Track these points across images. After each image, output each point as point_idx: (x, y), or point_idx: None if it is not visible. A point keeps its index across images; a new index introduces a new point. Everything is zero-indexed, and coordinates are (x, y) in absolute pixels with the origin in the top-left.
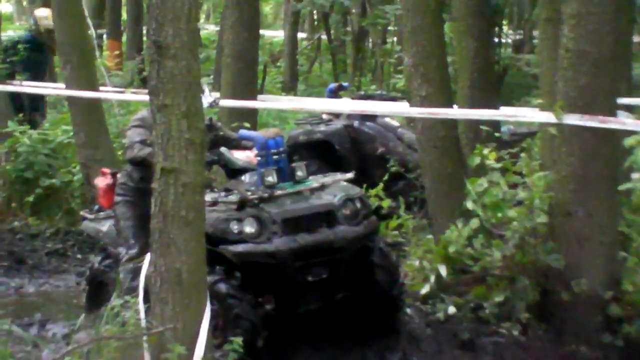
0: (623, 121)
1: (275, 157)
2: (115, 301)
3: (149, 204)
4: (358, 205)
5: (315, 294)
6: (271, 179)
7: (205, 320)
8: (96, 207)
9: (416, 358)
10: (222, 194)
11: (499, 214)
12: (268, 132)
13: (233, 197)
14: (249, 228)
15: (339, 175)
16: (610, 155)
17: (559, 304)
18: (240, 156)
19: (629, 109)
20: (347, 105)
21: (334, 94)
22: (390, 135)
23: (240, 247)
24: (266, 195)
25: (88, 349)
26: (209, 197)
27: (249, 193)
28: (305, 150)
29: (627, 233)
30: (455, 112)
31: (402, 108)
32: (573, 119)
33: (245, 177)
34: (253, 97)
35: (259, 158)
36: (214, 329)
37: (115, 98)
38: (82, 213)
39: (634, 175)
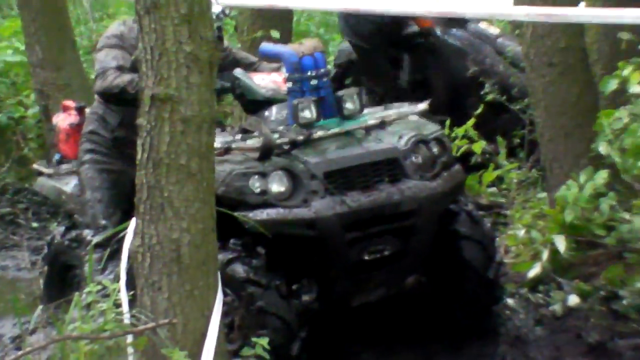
0: None
1: (313, 82)
2: (86, 287)
3: (130, 166)
4: (435, 150)
5: (375, 280)
6: (308, 113)
7: (216, 314)
8: (56, 156)
9: None
10: (238, 136)
11: None
12: (303, 46)
13: (253, 141)
14: (277, 186)
15: (406, 107)
16: None
17: None
18: (264, 82)
19: None
20: (424, 5)
21: None
22: (487, 48)
23: (264, 214)
24: (301, 137)
25: (48, 356)
26: (218, 141)
27: (276, 135)
28: (361, 72)
29: None
30: (582, 13)
31: (503, 7)
32: None
33: (271, 112)
34: None
35: (289, 84)
36: (228, 328)
37: None
38: (35, 166)
39: None
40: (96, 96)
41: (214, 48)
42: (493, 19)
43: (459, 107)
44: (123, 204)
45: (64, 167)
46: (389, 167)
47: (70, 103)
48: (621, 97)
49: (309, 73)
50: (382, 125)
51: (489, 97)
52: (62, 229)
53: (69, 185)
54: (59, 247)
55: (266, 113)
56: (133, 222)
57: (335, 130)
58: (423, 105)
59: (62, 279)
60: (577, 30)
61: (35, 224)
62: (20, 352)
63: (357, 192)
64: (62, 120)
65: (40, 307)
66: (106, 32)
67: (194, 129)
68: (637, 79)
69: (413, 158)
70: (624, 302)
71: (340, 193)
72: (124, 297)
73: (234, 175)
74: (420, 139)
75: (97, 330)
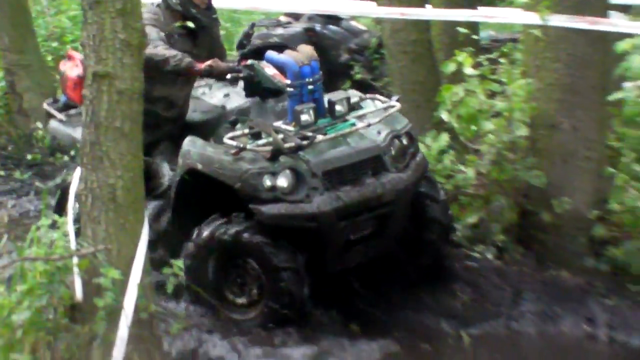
0: (615, 22)
1: (310, 87)
2: (41, 221)
3: (146, 132)
4: (405, 142)
5: (356, 253)
6: (307, 117)
7: (143, 242)
8: (62, 98)
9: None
10: (247, 136)
11: (475, 127)
12: (300, 55)
13: (263, 142)
14: (284, 183)
15: (380, 104)
16: (601, 62)
17: (539, 225)
18: (273, 73)
19: (624, 9)
20: (308, 4)
21: None
22: (356, 40)
23: (275, 209)
24: (305, 143)
25: (10, 274)
26: (232, 140)
27: (281, 136)
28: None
29: (616, 148)
30: (428, 13)
31: (369, 8)
32: (560, 20)
33: (272, 102)
34: None
35: (291, 89)
36: (241, 285)
37: None
38: (45, 106)
39: (627, 84)
40: None
41: (142, 36)
42: (362, 16)
43: (334, 86)
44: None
45: (72, 112)
46: (373, 163)
47: (75, 54)
48: (458, 77)
49: (307, 79)
50: (370, 126)
51: (358, 76)
52: (71, 173)
53: (79, 132)
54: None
55: (270, 102)
56: (78, 170)
57: (332, 135)
58: (396, 103)
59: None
60: (425, 25)
61: (2, 172)
62: None
63: (348, 187)
64: (70, 68)
65: (5, 237)
66: (144, 16)
67: (126, 99)
68: (469, 63)
69: (390, 152)
70: (459, 233)
71: (335, 189)
72: (70, 228)
73: (249, 174)
74: (395, 134)
75: (49, 253)
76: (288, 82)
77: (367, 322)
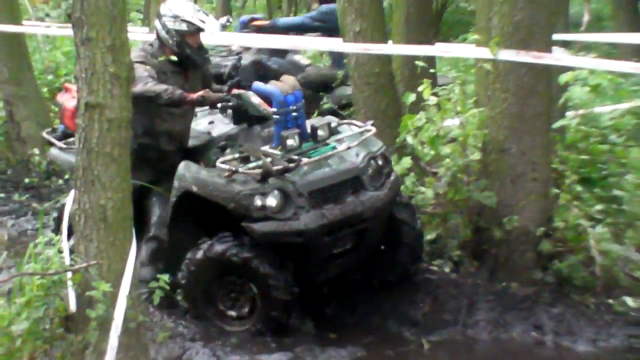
0: (558, 57)
1: (294, 114)
2: (38, 239)
3: (145, 171)
4: (380, 162)
5: (337, 264)
6: (293, 142)
7: (131, 258)
8: (60, 127)
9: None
10: (238, 160)
11: (433, 151)
12: (284, 85)
13: (252, 165)
14: (273, 202)
15: (357, 128)
16: (545, 92)
17: (491, 241)
18: (258, 101)
19: (565, 45)
20: (278, 40)
21: (246, 26)
22: (301, 73)
23: (266, 226)
24: (292, 165)
25: (9, 288)
26: (225, 163)
27: (269, 159)
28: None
29: (560, 170)
30: (390, 48)
31: (336, 44)
32: (508, 55)
33: (258, 129)
34: None
35: (276, 116)
36: (231, 300)
37: (40, 32)
38: (45, 135)
39: (569, 113)
40: None
41: (130, 69)
42: (330, 50)
43: None
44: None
45: (71, 139)
46: (353, 182)
47: (71, 86)
48: (417, 106)
49: (291, 107)
50: (349, 148)
51: (326, 106)
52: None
53: None
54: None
55: (256, 129)
56: (72, 193)
57: (315, 158)
58: (371, 127)
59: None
60: (386, 59)
61: (2, 195)
62: None
63: (331, 205)
64: (67, 100)
65: (5, 254)
66: (133, 54)
67: (115, 127)
68: (428, 93)
69: (368, 172)
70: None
71: (320, 207)
72: (65, 246)
73: (241, 195)
74: (371, 156)
75: (46, 269)
76: (274, 109)
77: (336, 330)
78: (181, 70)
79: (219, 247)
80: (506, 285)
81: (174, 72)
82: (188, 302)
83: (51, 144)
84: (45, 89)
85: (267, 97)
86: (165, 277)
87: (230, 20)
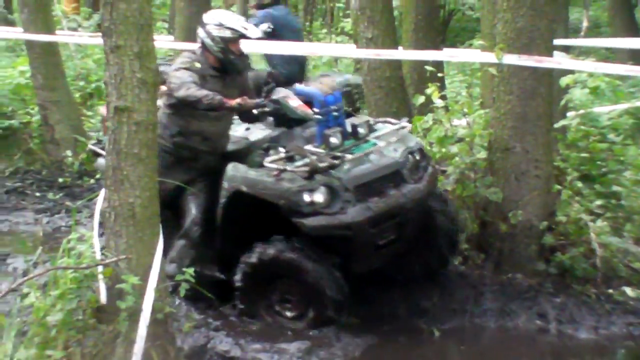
0: (559, 61)
1: (335, 114)
2: (71, 235)
3: (181, 171)
4: (417, 157)
5: (380, 255)
6: (336, 140)
7: (159, 252)
8: (104, 139)
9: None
10: (284, 159)
11: (442, 150)
12: (323, 86)
13: (299, 163)
14: (321, 198)
15: (391, 126)
16: (547, 94)
17: (497, 235)
18: (297, 104)
19: (566, 49)
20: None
21: None
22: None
23: (315, 221)
24: (337, 162)
25: (45, 281)
26: (272, 162)
27: (315, 157)
28: None
29: (562, 167)
30: (400, 54)
31: (350, 50)
32: (511, 59)
33: (300, 130)
34: None
35: (318, 117)
36: (286, 300)
37: (72, 41)
38: (90, 147)
39: (569, 113)
40: (162, 106)
41: (157, 74)
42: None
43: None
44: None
45: None
46: (394, 176)
47: None
48: (426, 108)
49: (332, 107)
50: (388, 144)
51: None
52: None
53: None
54: None
55: (297, 130)
56: (102, 192)
57: (358, 154)
58: (407, 124)
59: None
60: (397, 64)
61: (37, 193)
62: (25, 277)
63: (375, 197)
64: None
65: (40, 248)
66: (179, 60)
67: (143, 129)
68: (437, 96)
69: (407, 166)
70: None
71: (365, 200)
72: (96, 241)
73: (290, 192)
74: (409, 150)
75: (78, 263)
76: (314, 110)
77: (351, 319)
78: (221, 75)
79: (272, 251)
80: (511, 277)
81: (214, 77)
82: (244, 303)
83: (97, 155)
84: (77, 95)
85: (308, 99)
86: (191, 270)
87: (271, 27)
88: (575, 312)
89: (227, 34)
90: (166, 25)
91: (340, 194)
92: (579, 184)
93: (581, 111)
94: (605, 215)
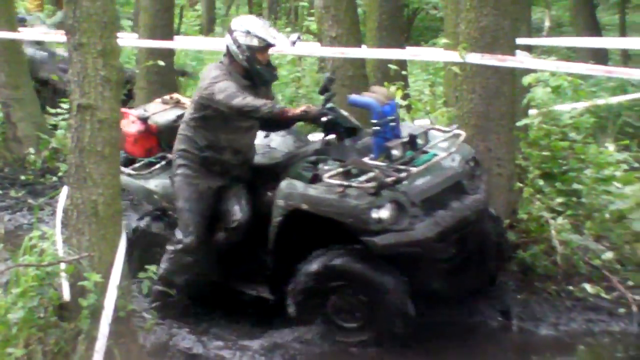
0: (521, 60)
1: (392, 124)
2: (33, 233)
3: (216, 180)
4: (473, 165)
5: (442, 271)
6: (397, 152)
7: (121, 250)
8: (121, 154)
9: None
10: (342, 174)
11: None
12: (379, 95)
13: (363, 178)
14: (388, 214)
15: (442, 134)
16: (510, 93)
17: None
18: (346, 112)
19: (528, 49)
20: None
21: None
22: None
23: (386, 239)
24: (404, 175)
25: (6, 279)
26: (335, 178)
27: (379, 172)
28: None
29: (523, 165)
30: (364, 52)
31: (314, 48)
32: (474, 58)
33: (351, 144)
34: (170, 38)
35: (376, 127)
36: (344, 311)
37: (35, 38)
38: None
39: (531, 112)
40: (186, 120)
41: (121, 72)
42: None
43: None
44: (206, 211)
45: (137, 165)
46: (456, 188)
47: (128, 111)
48: None
49: (389, 118)
50: (447, 154)
51: None
52: (148, 218)
53: (155, 184)
54: (145, 231)
55: (347, 142)
56: (65, 189)
57: (422, 167)
58: (461, 132)
59: (144, 254)
60: (361, 63)
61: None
62: None
63: (442, 211)
64: (127, 125)
65: (1, 246)
66: (212, 74)
67: (106, 127)
68: (400, 94)
69: (466, 176)
70: None
71: (432, 215)
72: (58, 239)
73: (358, 209)
74: (466, 160)
75: (40, 261)
76: (373, 121)
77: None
78: (253, 85)
79: (333, 259)
80: None
81: (246, 86)
82: (300, 312)
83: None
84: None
85: (364, 109)
86: (153, 267)
87: (301, 37)
88: (537, 309)
89: (255, 42)
90: (130, 23)
91: (407, 210)
92: (541, 182)
93: (543, 110)
94: (566, 213)
